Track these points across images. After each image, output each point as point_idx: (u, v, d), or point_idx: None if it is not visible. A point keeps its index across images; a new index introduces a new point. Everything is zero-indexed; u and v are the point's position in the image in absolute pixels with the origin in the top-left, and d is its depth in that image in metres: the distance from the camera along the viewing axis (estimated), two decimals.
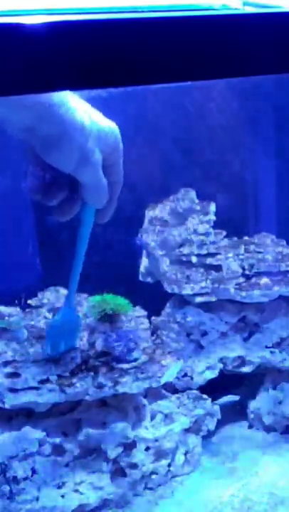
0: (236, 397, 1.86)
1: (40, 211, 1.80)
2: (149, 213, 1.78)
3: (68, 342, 0.85)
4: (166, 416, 1.57)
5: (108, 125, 0.67)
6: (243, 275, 1.72)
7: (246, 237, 1.82)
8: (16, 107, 0.59)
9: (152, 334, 1.71)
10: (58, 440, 1.47)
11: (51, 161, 0.64)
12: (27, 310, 1.57)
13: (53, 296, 1.63)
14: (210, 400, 1.66)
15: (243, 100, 1.87)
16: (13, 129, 0.61)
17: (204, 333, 1.74)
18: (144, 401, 1.56)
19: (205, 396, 1.65)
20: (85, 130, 0.62)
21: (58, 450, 1.47)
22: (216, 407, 1.67)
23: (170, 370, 1.56)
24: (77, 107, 0.63)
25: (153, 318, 1.75)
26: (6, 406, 1.44)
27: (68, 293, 0.82)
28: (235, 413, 1.82)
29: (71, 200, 0.69)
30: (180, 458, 1.58)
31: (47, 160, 0.63)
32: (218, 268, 1.72)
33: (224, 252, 1.73)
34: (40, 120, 0.60)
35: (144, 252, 1.80)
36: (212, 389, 1.73)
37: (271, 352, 1.74)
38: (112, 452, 1.48)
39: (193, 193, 1.76)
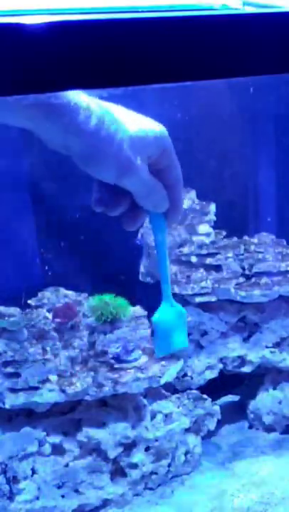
0: (236, 397, 1.86)
1: (41, 211, 1.80)
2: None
3: (178, 341, 0.84)
4: (166, 416, 1.57)
5: (154, 129, 0.66)
6: (243, 275, 1.72)
7: (246, 237, 1.82)
8: (48, 126, 0.60)
9: (152, 334, 1.71)
10: (58, 440, 1.47)
11: (93, 175, 0.65)
12: (27, 310, 1.57)
13: (53, 296, 1.63)
14: (210, 399, 1.66)
15: (243, 100, 1.87)
16: (54, 146, 0.62)
17: (204, 333, 1.74)
18: (144, 401, 1.56)
19: (205, 396, 1.65)
20: (121, 141, 0.62)
21: (58, 450, 1.47)
22: (216, 407, 1.67)
23: (170, 370, 1.56)
24: (111, 116, 0.63)
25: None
26: (6, 406, 1.44)
27: (164, 296, 0.82)
28: (235, 413, 1.81)
29: (134, 209, 0.69)
30: (180, 458, 1.58)
31: (89, 173, 0.64)
32: (218, 268, 1.72)
33: (224, 252, 1.73)
34: (73, 138, 0.60)
35: (144, 252, 1.80)
36: (212, 389, 1.73)
37: (271, 352, 1.74)
38: (112, 452, 1.48)
39: (193, 193, 1.76)
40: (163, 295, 0.83)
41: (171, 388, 1.67)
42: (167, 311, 0.82)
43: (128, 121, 0.64)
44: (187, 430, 1.61)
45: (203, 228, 1.73)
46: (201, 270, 1.71)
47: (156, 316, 0.82)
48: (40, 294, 1.64)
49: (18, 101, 0.55)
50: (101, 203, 0.68)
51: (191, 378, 1.71)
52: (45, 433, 1.46)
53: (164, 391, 1.62)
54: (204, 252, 1.72)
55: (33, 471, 1.44)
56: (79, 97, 0.60)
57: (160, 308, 0.82)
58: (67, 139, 0.61)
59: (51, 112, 0.58)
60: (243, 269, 1.73)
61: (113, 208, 0.68)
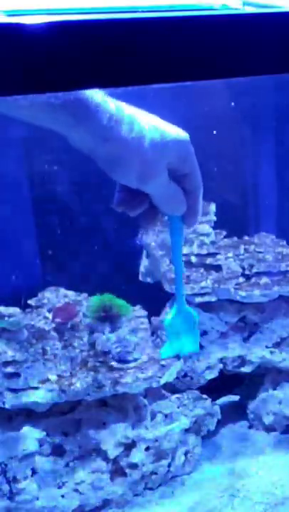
0: (236, 397, 1.86)
1: (40, 212, 1.80)
2: None
3: (188, 344, 0.84)
4: (166, 416, 1.57)
5: (175, 135, 0.67)
6: (243, 275, 1.72)
7: (246, 237, 1.82)
8: (73, 131, 0.61)
9: (152, 334, 1.71)
10: (57, 440, 1.47)
11: (115, 179, 0.67)
12: (27, 310, 1.57)
13: (53, 296, 1.63)
14: (210, 399, 1.66)
15: (243, 100, 1.87)
16: (81, 150, 0.64)
17: (204, 333, 1.74)
18: (144, 401, 1.56)
19: (205, 396, 1.65)
20: (144, 147, 0.64)
21: (58, 450, 1.47)
22: (216, 407, 1.67)
23: (170, 370, 1.56)
24: (135, 122, 0.64)
25: (153, 318, 1.75)
26: (6, 406, 1.44)
27: (177, 298, 0.83)
28: (235, 413, 1.81)
29: (153, 209, 0.71)
30: (180, 458, 1.58)
31: (111, 177, 0.66)
32: (218, 268, 1.72)
33: (224, 252, 1.73)
34: (97, 143, 0.62)
35: (144, 252, 1.80)
36: (212, 389, 1.73)
37: (271, 352, 1.74)
38: (112, 452, 1.48)
39: None
40: (176, 297, 0.83)
41: (171, 388, 1.67)
42: (179, 314, 0.82)
43: (152, 128, 0.65)
44: (187, 430, 1.61)
45: (203, 228, 1.73)
46: (201, 270, 1.71)
47: (168, 318, 0.82)
48: (40, 294, 1.64)
49: (49, 102, 0.57)
50: (122, 204, 0.70)
51: (191, 378, 1.71)
52: (45, 433, 1.46)
53: (164, 391, 1.62)
54: (204, 252, 1.72)
55: (33, 471, 1.44)
56: (106, 101, 0.61)
57: (172, 309, 0.83)
58: (93, 142, 0.62)
59: (80, 115, 0.60)
60: (243, 269, 1.73)
61: (133, 208, 0.70)
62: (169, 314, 0.83)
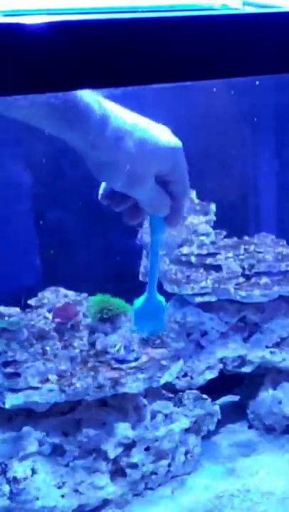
0: (236, 397, 1.86)
1: (40, 212, 1.80)
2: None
3: (156, 325, 0.88)
4: (166, 416, 1.57)
5: (166, 143, 0.66)
6: (243, 275, 1.72)
7: (246, 237, 1.82)
8: (66, 134, 0.62)
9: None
10: (57, 440, 1.47)
11: (101, 180, 0.68)
12: (27, 310, 1.57)
13: (53, 296, 1.63)
14: (210, 399, 1.66)
15: (243, 100, 1.87)
16: (75, 149, 0.65)
17: (204, 333, 1.74)
18: (144, 401, 1.56)
19: (205, 396, 1.65)
20: (134, 155, 0.64)
21: (58, 450, 1.47)
22: (216, 407, 1.67)
23: (170, 370, 1.56)
24: (126, 127, 0.63)
25: None
26: (6, 406, 1.44)
27: (149, 285, 0.85)
28: (235, 413, 1.81)
29: (137, 207, 0.72)
30: (180, 458, 1.58)
31: (98, 179, 0.67)
32: (218, 268, 1.72)
33: (224, 252, 1.73)
34: (88, 148, 0.63)
35: (144, 252, 1.80)
36: (212, 389, 1.73)
37: (271, 352, 1.74)
38: (112, 452, 1.48)
39: (193, 193, 1.76)
40: (148, 285, 0.86)
41: (171, 388, 1.67)
42: (149, 301, 0.85)
43: (145, 137, 0.65)
44: (187, 430, 1.61)
45: (203, 228, 1.73)
46: (201, 270, 1.71)
47: (138, 305, 0.85)
48: (40, 294, 1.64)
49: (44, 105, 0.58)
50: (107, 197, 0.71)
51: (191, 378, 1.71)
52: (45, 433, 1.46)
53: (164, 391, 1.62)
54: (204, 252, 1.71)
55: (33, 471, 1.44)
56: (101, 106, 0.61)
57: (142, 297, 0.85)
58: (84, 146, 0.63)
59: (73, 120, 0.60)
60: (243, 269, 1.73)
61: (118, 203, 0.71)
62: (138, 301, 0.86)
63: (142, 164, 0.65)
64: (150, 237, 0.78)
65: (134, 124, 0.65)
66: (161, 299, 0.86)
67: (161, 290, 1.72)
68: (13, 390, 1.44)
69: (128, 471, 1.50)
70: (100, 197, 0.71)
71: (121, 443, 1.49)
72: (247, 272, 1.72)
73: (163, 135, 0.66)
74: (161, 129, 0.67)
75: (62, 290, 1.65)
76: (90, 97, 0.60)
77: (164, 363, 1.56)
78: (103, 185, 0.71)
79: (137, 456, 1.50)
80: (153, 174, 0.66)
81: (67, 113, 0.59)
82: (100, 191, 0.71)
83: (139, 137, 0.64)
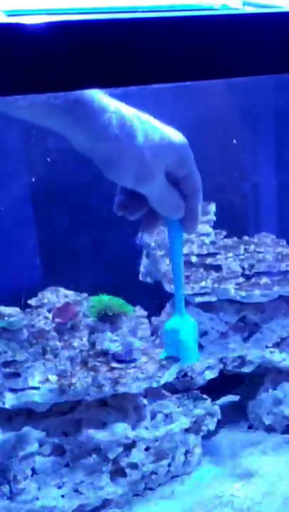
0: (236, 397, 1.86)
1: (41, 212, 1.80)
2: None
3: (188, 355, 0.82)
4: (166, 416, 1.57)
5: (173, 138, 0.66)
6: (243, 275, 1.72)
7: (246, 237, 1.82)
8: (72, 130, 0.61)
9: (152, 334, 1.71)
10: (57, 440, 1.47)
11: (111, 179, 0.66)
12: (27, 310, 1.57)
13: (53, 296, 1.63)
14: (210, 399, 1.66)
15: (243, 100, 1.87)
16: (80, 150, 0.64)
17: (204, 333, 1.74)
18: (144, 401, 1.56)
19: (205, 396, 1.65)
20: (142, 148, 0.63)
21: (58, 450, 1.47)
22: (216, 407, 1.67)
23: (170, 370, 1.56)
24: (134, 122, 0.63)
25: (153, 318, 1.75)
26: (6, 406, 1.44)
27: (177, 302, 0.81)
28: (235, 413, 1.81)
29: (152, 214, 0.71)
30: (180, 458, 1.58)
31: (107, 177, 0.66)
32: (218, 268, 1.72)
33: (224, 252, 1.73)
34: (95, 142, 0.62)
35: (144, 252, 1.80)
36: (212, 389, 1.73)
37: (271, 352, 1.74)
38: (112, 452, 1.48)
39: None
40: (176, 306, 0.82)
41: (171, 388, 1.67)
42: (180, 323, 0.80)
43: (151, 130, 0.65)
44: (187, 430, 1.61)
45: (203, 228, 1.73)
46: (201, 270, 1.71)
47: (169, 327, 0.81)
48: (40, 294, 1.64)
49: (48, 101, 0.57)
50: (122, 207, 0.70)
51: (191, 378, 1.71)
52: (45, 433, 1.46)
53: (164, 391, 1.62)
54: (204, 252, 1.71)
55: (33, 471, 1.44)
56: (105, 101, 0.61)
57: (173, 319, 0.81)
58: (90, 141, 0.62)
59: (78, 114, 0.60)
60: (243, 269, 1.73)
61: (133, 211, 0.70)
62: (169, 323, 0.81)
63: (149, 156, 0.64)
64: (170, 246, 0.76)
65: (138, 116, 0.65)
66: (189, 318, 0.82)
67: (161, 290, 1.72)
68: (13, 390, 1.44)
69: (128, 471, 1.50)
70: (114, 208, 0.70)
71: (121, 443, 1.49)
72: (247, 272, 1.72)
73: (167, 129, 0.67)
74: (167, 126, 0.67)
75: (63, 290, 1.65)
76: (92, 92, 0.60)
77: (164, 363, 1.56)
78: (117, 197, 0.70)
79: (137, 456, 1.50)
80: (162, 168, 0.66)
81: (72, 107, 0.59)
82: (115, 201, 0.70)
83: (144, 129, 0.64)
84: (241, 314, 1.75)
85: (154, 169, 0.66)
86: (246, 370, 1.75)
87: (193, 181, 0.70)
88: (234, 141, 1.93)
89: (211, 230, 1.74)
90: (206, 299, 1.69)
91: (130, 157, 0.64)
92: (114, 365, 1.51)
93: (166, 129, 0.67)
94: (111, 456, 1.48)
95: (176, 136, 0.67)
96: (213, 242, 1.73)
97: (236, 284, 1.70)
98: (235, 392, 1.86)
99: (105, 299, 1.57)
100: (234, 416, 1.81)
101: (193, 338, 0.80)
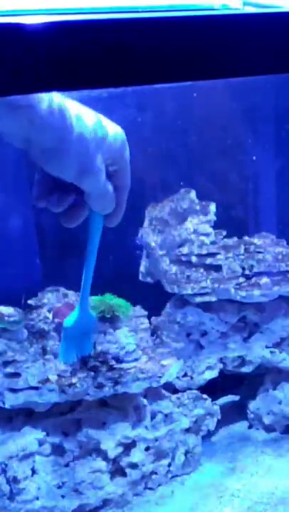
0: (236, 397, 1.86)
1: (40, 212, 1.80)
2: (149, 213, 1.78)
3: (84, 347, 0.82)
4: (166, 416, 1.57)
5: (114, 131, 0.65)
6: (243, 275, 1.72)
7: (246, 237, 1.82)
8: (11, 118, 0.58)
9: (152, 334, 1.71)
10: (57, 440, 1.47)
11: (51, 172, 0.63)
12: (27, 310, 1.57)
13: (53, 296, 1.63)
14: (210, 399, 1.66)
15: (243, 100, 1.87)
16: (12, 140, 0.61)
17: (204, 333, 1.74)
18: (144, 401, 1.56)
19: (205, 396, 1.65)
20: (86, 139, 0.62)
21: (58, 450, 1.47)
22: (216, 407, 1.67)
23: (170, 370, 1.56)
24: (77, 114, 0.62)
25: (153, 318, 1.75)
26: (6, 406, 1.44)
27: (81, 298, 0.80)
28: (235, 413, 1.82)
29: (77, 206, 0.68)
30: (180, 458, 1.59)
31: (47, 170, 0.63)
32: (218, 268, 1.72)
33: (224, 252, 1.73)
34: (37, 132, 0.59)
35: (144, 252, 1.80)
36: (212, 389, 1.73)
37: (271, 352, 1.74)
38: (112, 452, 1.48)
39: (193, 193, 1.76)
40: (81, 300, 0.81)
41: (171, 388, 1.67)
42: (81, 317, 0.80)
43: (93, 121, 0.64)
44: (187, 430, 1.61)
45: (203, 228, 1.73)
46: (201, 270, 1.71)
47: (70, 321, 0.80)
48: (40, 294, 1.63)
49: None
50: (43, 198, 0.67)
51: (191, 378, 1.71)
52: (45, 433, 1.46)
53: (164, 391, 1.62)
54: (204, 252, 1.71)
55: (33, 471, 1.44)
56: (50, 93, 0.59)
57: (74, 312, 0.81)
58: (30, 132, 0.59)
59: (15, 104, 0.57)
60: (243, 269, 1.73)
61: (57, 204, 0.67)
62: (70, 318, 0.81)
63: (93, 149, 0.63)
64: (89, 239, 0.72)
65: (82, 109, 0.63)
66: (93, 314, 0.80)
67: (161, 290, 1.72)
68: (13, 390, 1.44)
69: (128, 471, 1.50)
70: (34, 199, 0.66)
71: (121, 443, 1.49)
72: (247, 272, 1.72)
73: (109, 122, 0.66)
74: (106, 118, 0.66)
75: (63, 290, 1.65)
76: None
77: (164, 363, 1.56)
78: (36, 188, 0.66)
79: (137, 456, 1.50)
80: (104, 163, 0.64)
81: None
82: (34, 191, 0.66)
83: (87, 121, 0.62)
84: (241, 314, 1.75)
85: (98, 162, 0.64)
86: (246, 370, 1.75)
87: (125, 174, 0.69)
88: (233, 142, 1.93)
89: (211, 230, 1.74)
90: (206, 299, 1.69)
91: (74, 147, 0.61)
92: (114, 365, 1.51)
93: (107, 123, 0.66)
94: (111, 456, 1.48)
95: (117, 129, 0.66)
96: (213, 242, 1.73)
97: (236, 284, 1.70)
98: (235, 392, 1.87)
99: (105, 299, 1.57)
100: (234, 416, 1.81)
101: (91, 331, 0.80)
